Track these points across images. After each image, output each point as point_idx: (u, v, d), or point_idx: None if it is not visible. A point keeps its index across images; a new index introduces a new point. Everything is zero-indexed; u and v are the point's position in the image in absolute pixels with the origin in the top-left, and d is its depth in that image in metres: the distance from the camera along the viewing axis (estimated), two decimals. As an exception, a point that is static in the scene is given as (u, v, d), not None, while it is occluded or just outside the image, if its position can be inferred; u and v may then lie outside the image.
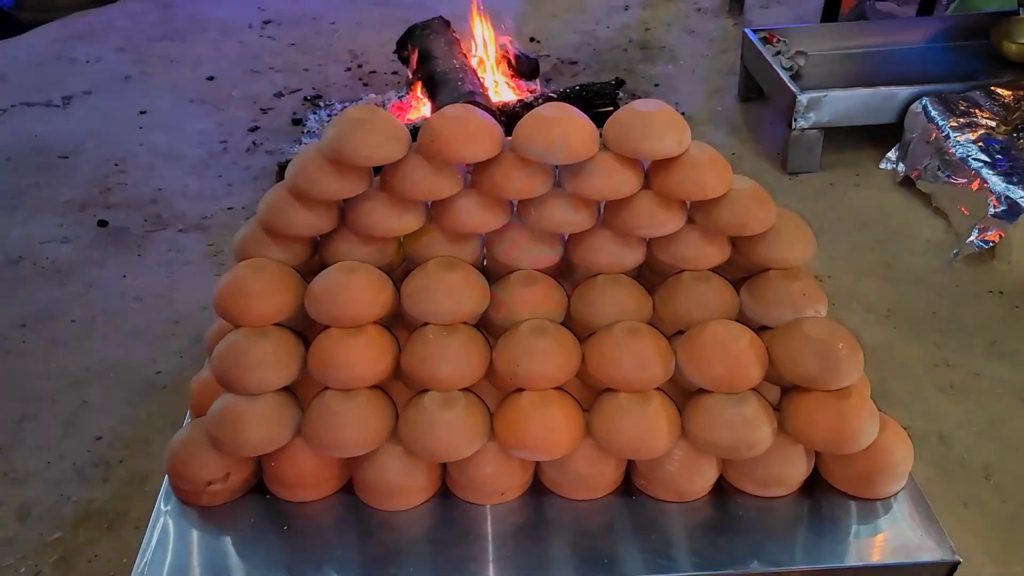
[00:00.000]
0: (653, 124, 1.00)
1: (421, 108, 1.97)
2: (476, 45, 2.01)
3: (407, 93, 1.98)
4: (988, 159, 1.53)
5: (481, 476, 0.97)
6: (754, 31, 2.11)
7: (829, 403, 0.95)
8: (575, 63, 2.45)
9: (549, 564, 0.91)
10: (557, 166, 1.05)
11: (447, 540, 0.94)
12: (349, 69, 2.49)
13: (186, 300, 1.46)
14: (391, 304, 1.00)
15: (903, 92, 1.79)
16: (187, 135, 2.11)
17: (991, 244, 1.44)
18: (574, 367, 0.98)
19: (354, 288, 0.98)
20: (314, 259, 1.09)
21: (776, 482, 0.98)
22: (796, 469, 0.97)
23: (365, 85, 2.40)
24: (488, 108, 1.77)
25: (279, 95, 2.34)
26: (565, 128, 1.00)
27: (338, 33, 2.70)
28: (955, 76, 1.90)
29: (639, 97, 2.23)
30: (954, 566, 0.91)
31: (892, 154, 1.79)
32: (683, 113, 2.18)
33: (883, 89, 1.79)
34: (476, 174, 1.04)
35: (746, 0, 2.75)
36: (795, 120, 1.77)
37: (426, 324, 1.00)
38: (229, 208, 1.79)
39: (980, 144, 1.57)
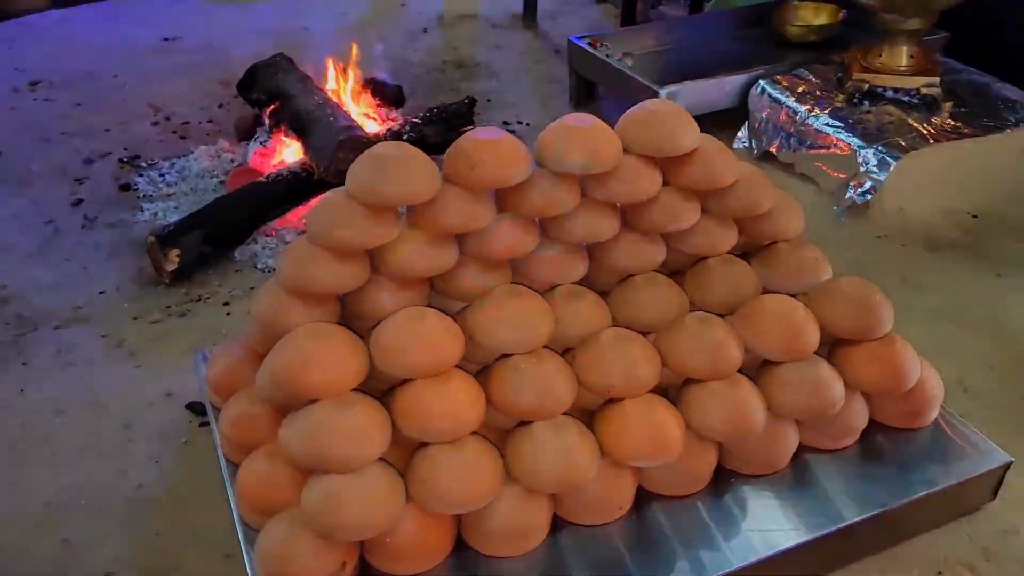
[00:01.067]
0: (674, 122, 1.05)
1: (283, 151, 1.85)
2: (331, 77, 1.93)
3: (268, 138, 1.85)
4: (842, 124, 1.74)
5: (601, 495, 0.95)
6: (579, 38, 2.23)
7: (881, 350, 1.04)
8: (399, 87, 2.41)
9: (713, 558, 0.91)
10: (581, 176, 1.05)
11: (599, 563, 0.92)
12: (156, 123, 2.27)
13: (121, 401, 1.26)
14: (464, 344, 0.95)
15: (741, 78, 1.98)
16: (1, 222, 1.82)
17: (869, 196, 1.64)
18: (660, 366, 0.99)
19: (431, 334, 0.93)
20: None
21: (847, 433, 1.06)
22: (861, 416, 1.06)
23: (183, 138, 2.20)
24: (369, 140, 1.71)
25: (88, 161, 2.08)
26: (597, 136, 1.01)
27: (126, 87, 2.45)
28: (760, 60, 2.13)
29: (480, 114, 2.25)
30: (1008, 466, 1.04)
31: (742, 134, 1.98)
32: (528, 124, 2.24)
33: (728, 77, 1.97)
34: (507, 197, 1.01)
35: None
36: (659, 114, 1.89)
37: (508, 355, 0.96)
38: (101, 292, 1.57)
39: (828, 113, 1.79)
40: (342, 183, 1.68)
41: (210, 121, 2.28)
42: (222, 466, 1.03)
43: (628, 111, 1.08)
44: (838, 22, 2.29)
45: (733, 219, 1.13)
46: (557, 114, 2.39)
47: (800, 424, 1.05)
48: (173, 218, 1.80)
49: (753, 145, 1.94)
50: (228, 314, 1.51)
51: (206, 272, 1.63)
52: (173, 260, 1.56)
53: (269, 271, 1.64)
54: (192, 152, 2.06)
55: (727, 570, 0.90)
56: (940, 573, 0.99)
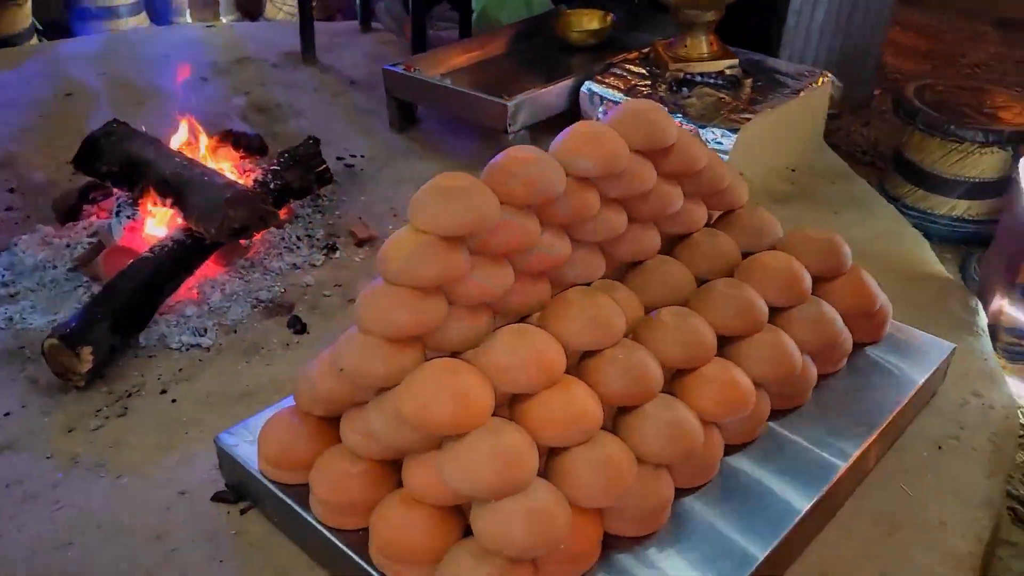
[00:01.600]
0: (658, 118, 1.17)
1: (152, 219, 1.70)
2: (181, 136, 1.81)
3: (135, 211, 1.69)
4: (677, 110, 1.97)
5: (704, 456, 1.05)
6: (393, 65, 2.28)
7: (851, 280, 1.25)
8: (259, 136, 2.28)
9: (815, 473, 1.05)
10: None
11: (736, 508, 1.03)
12: (-60, 223, 1.96)
13: (129, 514, 1.12)
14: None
15: (569, 83, 2.15)
16: None
17: (721, 167, 1.88)
18: (714, 332, 1.10)
19: (541, 347, 0.99)
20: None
21: (843, 355, 1.25)
22: (849, 340, 1.25)
23: (-14, 230, 1.92)
24: (255, 193, 1.65)
25: None
26: (608, 140, 1.11)
27: None
28: (564, 65, 2.33)
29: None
30: (953, 351, 1.30)
31: (581, 132, 2.15)
32: (363, 156, 2.24)
33: (561, 84, 2.13)
34: (543, 209, 1.07)
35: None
36: (510, 125, 2.02)
37: (593, 352, 1.02)
38: (7, 414, 1.36)
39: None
40: (234, 241, 1.60)
41: (8, 209, 2.00)
42: (323, 534, 0.98)
43: (611, 114, 1.18)
44: (609, 26, 2.56)
45: (700, 195, 1.28)
46: (383, 142, 2.42)
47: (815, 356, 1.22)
48: (36, 318, 1.60)
49: (593, 141, 2.12)
50: (173, 401, 1.39)
51: (116, 365, 1.47)
52: (87, 359, 1.39)
53: (187, 349, 1.52)
54: (15, 245, 1.82)
55: (829, 482, 1.05)
56: (940, 447, 1.22)
